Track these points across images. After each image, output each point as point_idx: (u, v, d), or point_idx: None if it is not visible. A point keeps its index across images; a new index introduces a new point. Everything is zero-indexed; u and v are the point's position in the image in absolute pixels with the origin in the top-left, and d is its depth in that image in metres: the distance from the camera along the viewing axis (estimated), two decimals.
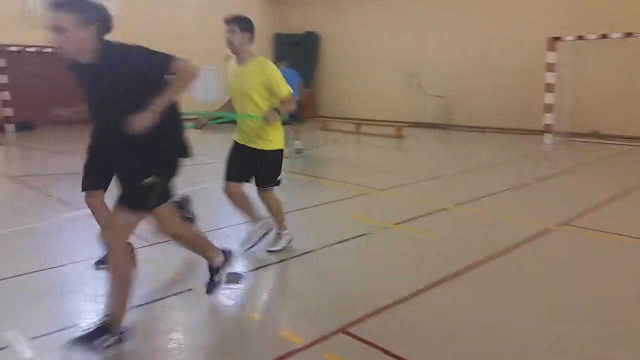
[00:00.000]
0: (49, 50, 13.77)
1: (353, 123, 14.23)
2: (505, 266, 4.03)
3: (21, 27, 13.37)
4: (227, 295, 3.44)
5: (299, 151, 9.67)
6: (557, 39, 10.99)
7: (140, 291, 3.05)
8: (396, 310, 3.22)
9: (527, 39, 12.70)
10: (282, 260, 4.11)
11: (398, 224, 5.10)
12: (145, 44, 2.77)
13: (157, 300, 3.37)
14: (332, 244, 4.46)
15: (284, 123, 4.20)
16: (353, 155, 10.62)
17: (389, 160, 9.95)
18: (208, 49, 17.42)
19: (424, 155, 10.73)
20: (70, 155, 9.44)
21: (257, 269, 3.98)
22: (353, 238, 4.63)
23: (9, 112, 13.43)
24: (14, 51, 13.38)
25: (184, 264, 4.01)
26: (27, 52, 13.59)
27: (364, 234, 4.75)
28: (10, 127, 13.41)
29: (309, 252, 4.30)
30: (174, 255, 3.95)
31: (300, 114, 9.68)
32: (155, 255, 4.13)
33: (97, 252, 4.13)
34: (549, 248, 4.49)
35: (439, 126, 14.63)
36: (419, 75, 15.09)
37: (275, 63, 4.36)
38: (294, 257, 4.19)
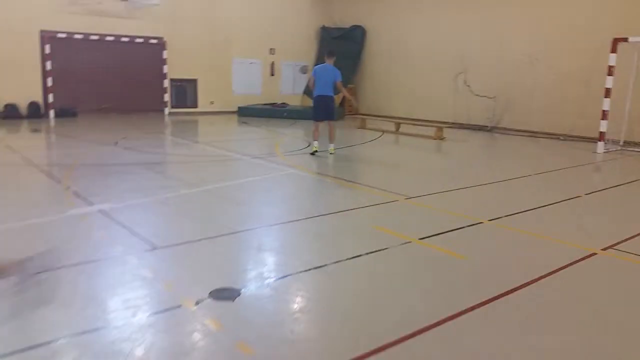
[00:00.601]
0: (95, 37, 14.00)
1: (393, 122, 13.68)
2: (540, 297, 3.48)
3: (69, 13, 13.60)
4: (214, 318, 3.09)
5: (331, 152, 9.24)
6: (621, 39, 10.02)
7: None
8: (405, 347, 2.78)
9: (586, 39, 11.76)
10: (285, 276, 3.73)
11: (423, 238, 4.61)
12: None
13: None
14: (344, 259, 4.04)
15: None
16: (388, 156, 10.07)
17: (425, 164, 9.38)
18: (254, 43, 17.36)
19: (464, 159, 10.05)
20: (100, 145, 9.46)
21: (257, 285, 3.62)
22: (369, 253, 4.19)
23: (50, 98, 13.71)
24: (61, 37, 13.61)
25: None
26: (74, 39, 13.79)
27: (382, 249, 4.30)
28: (51, 114, 13.71)
29: (317, 267, 3.90)
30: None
31: (333, 112, 9.30)
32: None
33: (88, 254, 3.91)
34: (591, 276, 3.90)
35: (484, 128, 13.85)
36: (467, 74, 14.32)
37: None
38: (300, 272, 3.80)
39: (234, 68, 17.27)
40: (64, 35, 13.58)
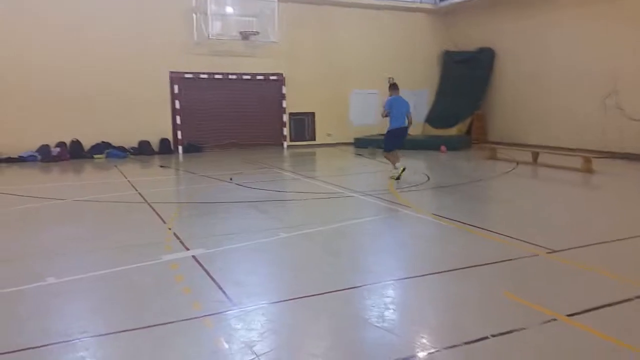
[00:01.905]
0: (219, 76, 14.58)
1: (529, 151, 12.07)
2: None
3: (195, 55, 14.35)
4: None
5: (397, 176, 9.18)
6: None
7: None
8: None
9: None
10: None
11: (572, 315, 3.44)
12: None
13: None
14: (462, 343, 3.07)
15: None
16: (523, 194, 8.60)
17: (572, 205, 7.69)
18: (372, 74, 16.90)
19: (624, 199, 8.13)
20: (216, 181, 9.45)
21: None
22: (497, 335, 3.16)
23: (179, 135, 14.46)
24: (188, 78, 14.38)
25: None
26: (199, 78, 14.50)
27: (516, 330, 3.24)
28: (180, 149, 14.43)
29: (432, 351, 2.99)
30: None
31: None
32: None
33: (158, 313, 3.42)
34: None
35: None
36: (619, 95, 12.22)
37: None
38: (405, 358, 2.92)
39: (351, 99, 16.92)
40: (190, 76, 14.34)
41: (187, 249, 5.09)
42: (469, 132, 16.56)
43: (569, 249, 4.95)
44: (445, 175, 10.59)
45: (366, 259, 4.89)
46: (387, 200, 7.49)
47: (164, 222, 6.31)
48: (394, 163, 9.44)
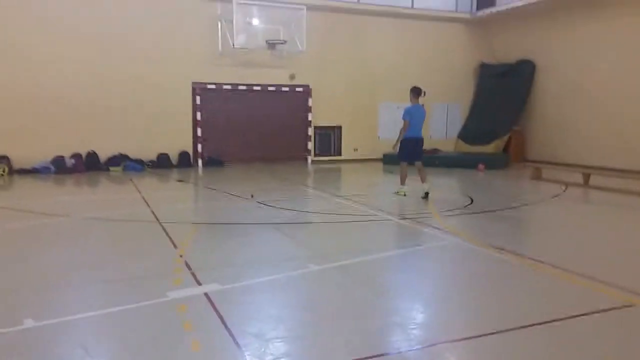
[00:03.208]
0: (243, 87, 13.90)
1: (576, 171, 10.98)
2: None
3: (218, 65, 13.71)
4: None
5: (425, 195, 8.51)
6: None
7: None
8: None
9: None
10: None
11: None
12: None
13: None
14: None
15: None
16: (586, 221, 7.48)
17: None
18: (404, 86, 15.93)
19: None
20: (236, 198, 8.62)
21: None
22: None
23: (199, 148, 13.76)
24: (211, 89, 13.72)
25: None
26: (223, 89, 13.83)
27: None
28: (199, 163, 13.72)
29: None
30: None
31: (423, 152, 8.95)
32: None
33: None
34: None
35: None
36: None
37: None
38: None
39: (380, 113, 16.03)
40: (213, 87, 13.67)
41: (199, 284, 4.23)
42: (506, 149, 15.49)
43: None
44: (489, 197, 9.56)
45: (414, 304, 3.94)
46: (430, 226, 6.53)
47: (175, 247, 5.48)
48: (403, 179, 8.83)
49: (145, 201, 8.37)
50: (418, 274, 4.78)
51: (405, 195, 8.74)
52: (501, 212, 7.79)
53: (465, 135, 16.16)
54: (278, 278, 4.43)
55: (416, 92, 8.75)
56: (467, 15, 16.48)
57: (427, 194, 8.52)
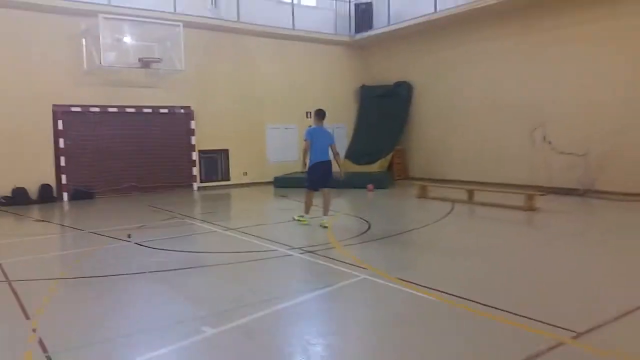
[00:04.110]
0: (114, 109, 12.54)
1: (457, 188, 11.37)
2: None
3: (86, 86, 12.21)
4: None
5: (324, 226, 8.05)
6: None
7: None
8: None
9: None
10: None
11: None
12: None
13: None
14: None
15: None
16: (487, 242, 7.38)
17: (557, 257, 6.71)
18: (290, 108, 15.67)
19: (577, 242, 7.47)
20: (108, 240, 7.38)
21: None
22: None
23: (63, 179, 12.03)
24: (75, 112, 12.13)
25: None
26: (89, 112, 12.30)
27: None
28: (64, 196, 11.99)
29: None
30: None
31: (331, 178, 8.42)
32: None
33: None
34: None
35: (574, 192, 11.35)
36: (546, 128, 12.02)
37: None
38: None
39: (268, 135, 15.50)
40: (78, 109, 12.10)
41: None
42: (390, 168, 15.80)
43: (597, 327, 3.80)
44: (385, 220, 9.42)
45: None
46: (335, 260, 6.03)
47: (27, 318, 4.32)
48: (307, 207, 8.42)
49: None
50: (338, 326, 4.19)
51: (307, 224, 8.31)
52: (401, 237, 7.62)
53: (352, 155, 16.20)
54: (165, 354, 3.56)
55: (319, 114, 8.43)
56: (347, 38, 16.71)
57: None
